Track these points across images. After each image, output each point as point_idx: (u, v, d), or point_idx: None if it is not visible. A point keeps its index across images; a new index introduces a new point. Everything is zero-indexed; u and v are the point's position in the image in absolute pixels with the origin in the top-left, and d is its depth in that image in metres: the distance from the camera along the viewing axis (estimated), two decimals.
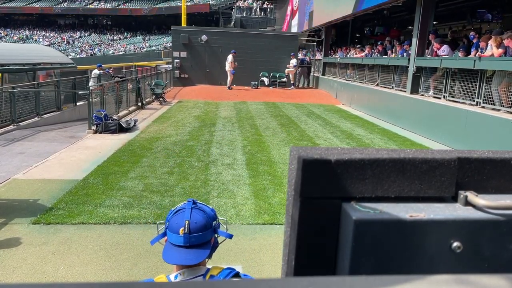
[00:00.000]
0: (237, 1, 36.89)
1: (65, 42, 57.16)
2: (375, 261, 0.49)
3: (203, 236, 1.53)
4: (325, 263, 0.53)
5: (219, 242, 1.67)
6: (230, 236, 1.65)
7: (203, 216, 1.56)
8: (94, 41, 58.24)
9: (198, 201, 1.64)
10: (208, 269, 1.58)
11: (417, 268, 0.50)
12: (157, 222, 1.69)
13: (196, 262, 1.52)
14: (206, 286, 0.46)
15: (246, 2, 35.22)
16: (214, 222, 1.60)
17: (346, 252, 0.50)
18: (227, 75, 20.66)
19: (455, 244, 0.49)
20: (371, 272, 0.49)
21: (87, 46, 55.54)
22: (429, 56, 11.76)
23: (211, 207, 1.66)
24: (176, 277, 1.54)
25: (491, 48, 9.05)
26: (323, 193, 0.51)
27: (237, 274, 1.59)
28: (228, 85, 20.54)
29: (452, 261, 0.50)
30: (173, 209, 1.62)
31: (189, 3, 46.34)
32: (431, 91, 11.54)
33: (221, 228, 1.65)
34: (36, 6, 57.51)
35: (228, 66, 20.33)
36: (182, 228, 1.52)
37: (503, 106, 8.58)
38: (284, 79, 22.28)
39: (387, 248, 0.49)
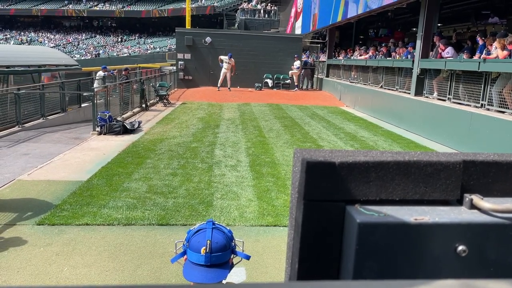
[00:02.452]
0: (241, 3, 36.95)
1: (70, 44, 57.48)
2: (379, 265, 0.49)
3: (223, 256, 1.57)
4: (329, 266, 0.53)
5: (236, 263, 1.69)
6: (248, 258, 1.68)
7: (223, 236, 1.60)
8: (98, 43, 58.52)
9: (217, 222, 1.67)
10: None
11: (421, 272, 0.49)
12: (176, 241, 1.71)
13: (216, 281, 1.54)
14: None
15: (250, 4, 35.28)
16: (232, 243, 1.65)
17: (350, 255, 0.49)
18: (229, 77, 20.63)
19: (460, 247, 0.49)
20: (375, 276, 0.49)
21: (91, 48, 55.82)
22: (434, 58, 11.73)
23: (228, 228, 1.70)
24: None
25: (496, 50, 9.02)
26: (327, 195, 0.51)
27: None
28: (220, 85, 20.45)
29: (457, 265, 0.49)
30: (192, 229, 1.65)
31: (193, 5, 46.51)
32: (435, 93, 11.50)
33: (237, 249, 1.68)
34: (70, 9, 57.71)
35: (226, 66, 20.29)
36: (204, 247, 1.55)
37: (508, 108, 8.54)
38: (288, 81, 22.29)
39: (391, 252, 0.49)
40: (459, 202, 0.54)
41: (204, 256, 1.54)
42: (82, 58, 46.13)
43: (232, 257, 1.64)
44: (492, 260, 0.50)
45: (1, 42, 54.40)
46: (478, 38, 10.51)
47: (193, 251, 1.57)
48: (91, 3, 59.60)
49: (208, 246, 1.55)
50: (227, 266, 1.59)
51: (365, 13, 15.69)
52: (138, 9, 57.35)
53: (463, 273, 0.49)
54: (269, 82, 22.20)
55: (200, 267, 1.55)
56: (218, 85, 20.51)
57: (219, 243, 1.57)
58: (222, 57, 20.33)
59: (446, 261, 0.49)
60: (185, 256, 1.61)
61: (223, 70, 20.40)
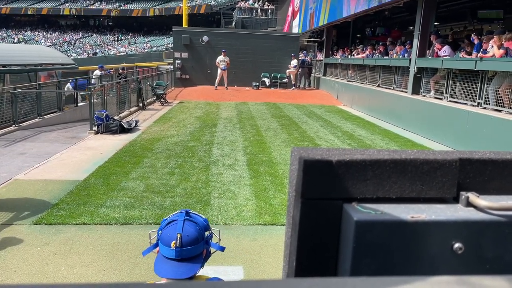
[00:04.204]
0: (238, 2, 36.92)
1: (66, 43, 57.25)
2: (376, 262, 0.49)
3: (195, 249, 1.52)
4: (326, 264, 0.53)
5: (212, 252, 1.64)
6: (222, 249, 1.62)
7: (195, 228, 1.54)
8: (95, 41, 58.33)
9: (192, 211, 1.61)
10: (192, 278, 1.55)
11: (418, 269, 0.50)
12: (150, 231, 1.66)
13: (187, 276, 1.50)
14: (206, 287, 0.46)
15: (247, 3, 35.25)
16: (207, 233, 1.59)
17: (347, 253, 0.49)
18: (226, 76, 20.59)
19: (457, 245, 0.49)
20: (372, 273, 0.49)
21: (88, 47, 55.63)
22: (430, 57, 11.75)
23: (204, 217, 1.63)
24: None
25: (492, 49, 9.05)
26: (324, 194, 0.51)
27: None
28: (217, 85, 20.44)
29: (454, 262, 0.50)
30: (166, 218, 1.59)
31: (190, 4, 46.41)
32: (432, 92, 11.53)
33: (213, 239, 1.63)
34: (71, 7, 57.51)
35: (224, 65, 20.26)
36: (174, 241, 1.49)
37: (504, 107, 8.57)
38: (285, 80, 22.28)
39: (388, 249, 0.49)
40: (456, 200, 0.54)
41: (175, 250, 1.49)
42: (79, 57, 45.98)
43: (207, 248, 1.59)
44: (488, 258, 0.50)
45: None
46: (473, 37, 10.54)
47: (164, 244, 1.52)
48: (87, 2, 59.39)
49: (178, 240, 1.49)
50: (200, 259, 1.54)
51: (362, 11, 15.73)
52: (132, 8, 57.18)
53: (460, 270, 0.50)
54: (267, 81, 22.18)
55: (171, 261, 1.50)
56: (216, 84, 20.49)
57: (190, 236, 1.51)
58: (218, 59, 20.28)
59: (443, 258, 0.50)
60: (158, 248, 1.56)
61: (219, 70, 20.37)
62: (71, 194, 5.98)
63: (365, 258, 0.49)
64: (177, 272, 1.49)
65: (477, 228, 0.50)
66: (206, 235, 1.58)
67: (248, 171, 7.39)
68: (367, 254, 0.49)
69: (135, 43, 56.89)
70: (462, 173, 0.54)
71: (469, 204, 0.52)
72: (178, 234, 1.50)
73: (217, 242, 1.65)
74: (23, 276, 3.91)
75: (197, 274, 1.58)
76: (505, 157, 0.55)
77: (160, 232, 1.56)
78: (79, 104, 13.72)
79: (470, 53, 10.09)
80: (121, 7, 57.69)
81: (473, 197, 0.52)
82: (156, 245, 1.57)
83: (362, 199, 0.52)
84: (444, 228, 0.49)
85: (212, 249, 1.63)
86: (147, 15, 55.21)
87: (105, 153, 8.37)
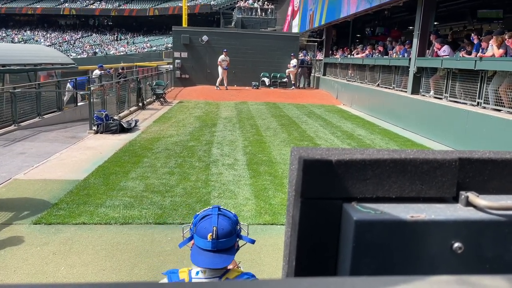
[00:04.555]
0: (238, 1, 36.91)
1: (66, 43, 57.22)
2: (376, 262, 0.49)
3: (229, 241, 1.64)
4: (326, 263, 0.53)
5: (241, 245, 1.77)
6: (253, 241, 1.76)
7: (228, 222, 1.67)
8: (95, 41, 58.30)
9: (222, 207, 1.73)
10: (226, 271, 1.67)
11: (418, 269, 0.50)
12: (182, 226, 1.79)
13: (222, 266, 1.63)
14: (207, 287, 0.46)
15: (247, 2, 35.23)
16: (237, 227, 1.72)
17: (347, 253, 0.49)
18: (225, 76, 20.56)
19: (456, 245, 0.49)
20: (372, 272, 0.49)
21: (88, 46, 55.60)
22: (430, 57, 11.75)
23: (233, 212, 1.77)
24: (197, 273, 1.65)
25: (492, 49, 9.05)
26: (324, 193, 0.51)
27: None
28: (218, 84, 20.43)
29: (453, 262, 0.50)
30: (198, 214, 1.71)
31: (190, 3, 46.39)
32: (432, 92, 11.54)
33: (242, 233, 1.76)
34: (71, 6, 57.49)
35: (225, 64, 20.23)
36: (210, 233, 1.61)
37: (504, 106, 8.58)
38: (285, 80, 22.28)
39: (388, 249, 0.49)
40: (455, 199, 0.54)
41: (211, 242, 1.60)
42: (78, 56, 45.96)
43: (237, 241, 1.71)
44: (488, 257, 0.50)
45: None
46: (473, 37, 10.54)
47: (200, 237, 1.62)
48: (87, 1, 59.35)
49: (214, 232, 1.61)
50: (233, 251, 1.67)
51: (362, 11, 15.74)
52: (132, 8, 57.16)
53: (459, 270, 0.50)
54: (266, 80, 22.18)
55: (207, 252, 1.61)
56: (217, 84, 20.45)
57: (224, 229, 1.63)
58: (220, 59, 20.24)
59: (442, 258, 0.50)
60: (193, 241, 1.66)
61: (221, 70, 20.33)
62: (71, 193, 5.98)
63: (364, 257, 0.49)
64: (213, 262, 1.61)
65: (476, 227, 0.50)
66: (237, 229, 1.71)
67: (248, 171, 7.39)
68: (367, 254, 0.49)
69: (133, 43, 56.87)
70: (462, 172, 0.54)
71: (468, 203, 0.52)
72: (214, 227, 1.62)
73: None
74: (22, 275, 3.91)
75: (231, 269, 1.71)
76: (504, 156, 0.55)
77: (194, 226, 1.66)
78: (78, 104, 13.71)
79: (469, 53, 10.09)
80: (121, 7, 57.66)
81: (472, 196, 0.52)
82: (191, 238, 1.68)
83: (361, 199, 0.52)
84: (443, 227, 0.49)
85: (241, 242, 1.75)
86: (147, 14, 55.21)
87: (104, 153, 8.37)
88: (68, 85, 14.48)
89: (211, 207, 1.72)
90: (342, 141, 10.40)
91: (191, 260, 1.63)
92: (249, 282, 0.38)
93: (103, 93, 12.10)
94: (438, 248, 0.49)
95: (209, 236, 1.61)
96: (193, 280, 1.61)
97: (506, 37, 8.69)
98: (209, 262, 1.61)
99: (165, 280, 1.66)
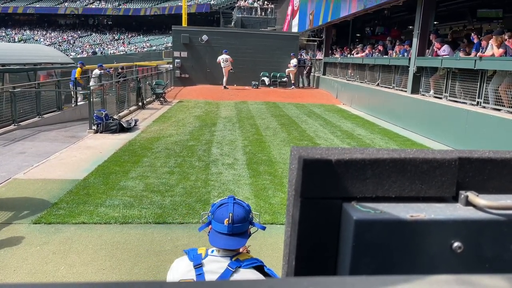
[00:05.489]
0: (237, 1, 36.90)
1: (65, 42, 57.17)
2: (376, 261, 0.49)
3: (243, 226, 1.85)
4: (326, 263, 0.53)
5: (252, 232, 1.97)
6: (263, 228, 1.97)
7: (243, 210, 1.88)
8: (94, 41, 58.25)
9: (237, 198, 1.95)
10: (237, 253, 1.86)
11: (417, 268, 0.50)
12: (202, 213, 2.13)
13: (237, 247, 1.85)
14: (208, 286, 0.46)
15: (246, 2, 35.23)
16: (250, 215, 1.91)
17: (347, 252, 0.50)
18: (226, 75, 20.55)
19: (456, 244, 0.49)
20: (372, 272, 0.49)
21: (87, 46, 55.55)
22: (430, 56, 11.75)
23: (246, 202, 1.97)
24: (212, 251, 1.87)
25: (492, 48, 9.05)
26: (324, 193, 0.51)
27: (260, 267, 1.83)
28: (225, 83, 20.43)
29: (453, 261, 0.50)
30: (215, 203, 1.94)
31: (190, 3, 46.36)
32: (432, 91, 11.54)
33: (254, 221, 1.95)
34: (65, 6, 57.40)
35: (227, 64, 20.20)
36: (227, 219, 1.82)
37: (503, 106, 8.58)
38: (285, 79, 22.27)
39: (387, 248, 0.49)
40: (455, 199, 0.54)
41: (227, 226, 1.82)
42: (78, 56, 45.92)
43: (250, 227, 1.91)
44: (488, 257, 0.50)
45: None
46: (473, 36, 10.54)
47: (218, 221, 1.84)
48: (86, 1, 59.31)
49: (230, 218, 1.82)
50: (246, 235, 1.88)
51: (361, 11, 15.74)
52: (131, 7, 57.13)
53: (459, 269, 0.50)
54: (266, 80, 22.18)
55: (224, 235, 1.83)
56: (224, 84, 20.34)
57: (239, 215, 1.84)
58: (219, 58, 20.19)
59: (442, 257, 0.50)
60: (210, 226, 1.89)
61: (225, 68, 20.26)
62: (71, 193, 5.98)
63: (364, 257, 0.49)
64: (229, 243, 1.82)
65: (476, 227, 0.50)
66: (250, 217, 1.90)
67: (248, 170, 7.39)
68: (367, 253, 0.49)
69: (130, 43, 56.82)
70: (462, 172, 0.54)
71: (468, 203, 0.52)
72: (230, 214, 1.83)
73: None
74: (22, 275, 3.91)
75: (242, 252, 1.92)
76: (504, 156, 0.55)
77: (212, 214, 1.88)
78: (78, 103, 13.71)
79: (469, 53, 10.09)
80: (120, 6, 57.62)
81: (472, 196, 0.52)
82: (209, 223, 1.90)
83: (361, 198, 0.52)
84: (443, 227, 0.49)
85: (253, 230, 1.95)
86: (147, 14, 55.19)
87: (104, 152, 8.37)
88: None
89: (227, 197, 1.94)
90: (342, 140, 10.40)
91: (210, 242, 1.84)
92: (249, 282, 0.38)
93: (103, 93, 12.09)
94: (438, 247, 0.49)
95: (225, 221, 1.82)
96: (209, 256, 1.83)
97: (506, 36, 8.69)
98: (225, 244, 1.82)
99: (185, 257, 1.86)
